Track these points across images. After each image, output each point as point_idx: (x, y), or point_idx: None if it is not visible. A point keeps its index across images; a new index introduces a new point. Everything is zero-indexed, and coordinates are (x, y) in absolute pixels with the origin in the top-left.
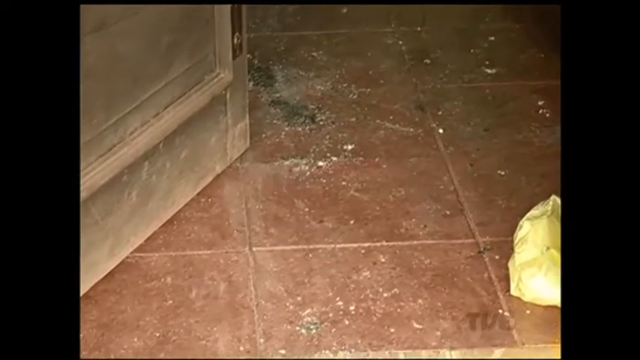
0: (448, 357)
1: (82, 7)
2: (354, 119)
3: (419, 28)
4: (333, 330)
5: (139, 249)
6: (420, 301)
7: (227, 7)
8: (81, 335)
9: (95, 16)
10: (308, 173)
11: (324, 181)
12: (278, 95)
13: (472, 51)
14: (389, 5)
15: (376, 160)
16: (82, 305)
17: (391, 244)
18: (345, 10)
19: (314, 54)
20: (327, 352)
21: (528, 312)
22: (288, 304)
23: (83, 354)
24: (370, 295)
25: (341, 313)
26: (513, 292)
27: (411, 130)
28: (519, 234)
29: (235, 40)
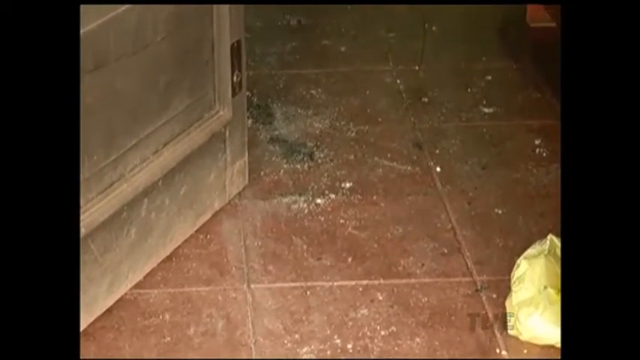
0: None
1: (82, 46)
2: (352, 157)
3: (416, 67)
4: None
5: (137, 285)
6: (417, 339)
7: (227, 46)
8: None
9: (94, 55)
10: (306, 210)
11: (323, 218)
12: (277, 133)
13: (469, 90)
14: (387, 44)
15: (374, 197)
16: (80, 342)
17: (389, 282)
18: (343, 49)
19: (312, 92)
20: None
21: (525, 351)
22: (285, 341)
23: None
24: (368, 333)
25: (339, 350)
26: (511, 331)
27: (409, 168)
28: (517, 273)
29: (235, 78)
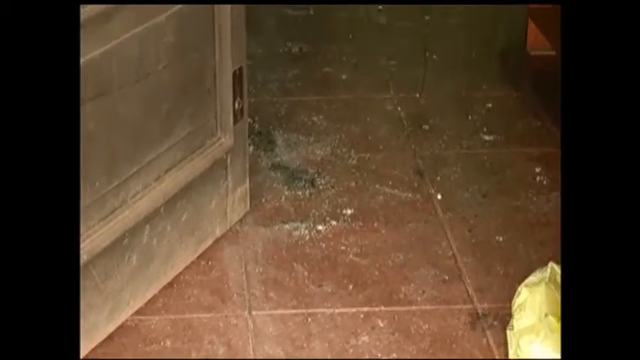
0: None
1: (83, 74)
2: (353, 184)
3: (417, 95)
4: None
5: (138, 312)
6: None
7: (229, 73)
8: None
9: (97, 83)
10: (307, 237)
11: (324, 245)
12: (278, 159)
13: (470, 118)
14: (388, 72)
15: (375, 224)
16: None
17: (390, 309)
18: (344, 77)
19: (314, 119)
20: None
21: None
22: None
23: None
24: None
25: None
26: (511, 358)
27: (410, 195)
28: (517, 300)
29: (236, 105)
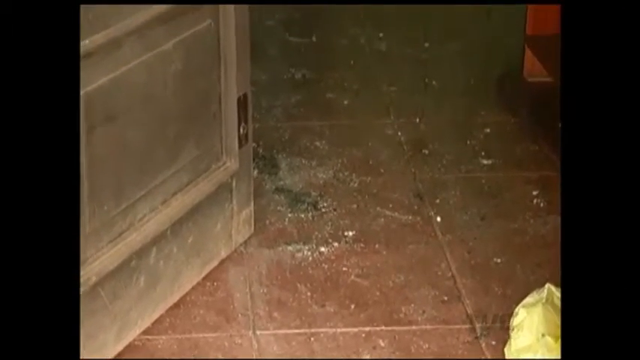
0: None
1: (93, 100)
2: (354, 207)
3: (417, 120)
4: None
5: (146, 331)
6: None
7: (233, 99)
8: None
9: (105, 109)
10: (310, 259)
11: (326, 266)
12: (282, 183)
13: (468, 142)
14: (388, 98)
15: (376, 246)
16: None
17: (391, 328)
18: (346, 102)
19: (316, 143)
20: None
21: None
22: None
23: None
24: None
25: None
26: None
27: (410, 218)
28: (515, 321)
29: (241, 130)
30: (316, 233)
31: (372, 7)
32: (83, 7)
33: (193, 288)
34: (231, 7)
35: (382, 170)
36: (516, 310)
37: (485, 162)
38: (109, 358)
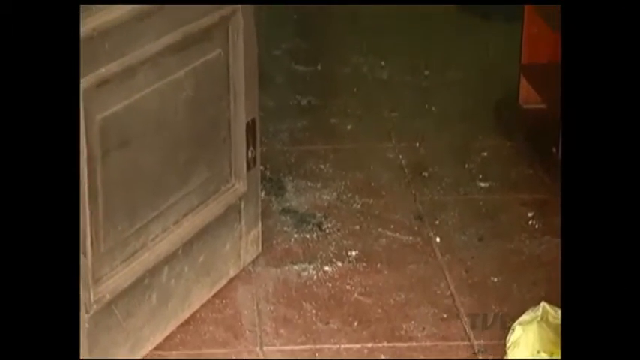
0: None
1: (108, 125)
2: (357, 227)
3: (417, 144)
4: None
5: (158, 347)
6: None
7: (242, 124)
8: None
9: (120, 134)
10: (315, 277)
11: (330, 284)
12: (288, 205)
13: (467, 166)
14: (390, 123)
15: (378, 265)
16: None
17: (392, 344)
18: (349, 127)
19: (321, 167)
20: None
21: None
22: None
23: None
24: None
25: None
26: None
27: (411, 238)
28: (511, 337)
29: (249, 154)
30: (321, 253)
31: (374, 37)
32: (99, 37)
33: (203, 305)
34: (240, 38)
35: (384, 192)
36: (512, 327)
37: (482, 185)
38: None
